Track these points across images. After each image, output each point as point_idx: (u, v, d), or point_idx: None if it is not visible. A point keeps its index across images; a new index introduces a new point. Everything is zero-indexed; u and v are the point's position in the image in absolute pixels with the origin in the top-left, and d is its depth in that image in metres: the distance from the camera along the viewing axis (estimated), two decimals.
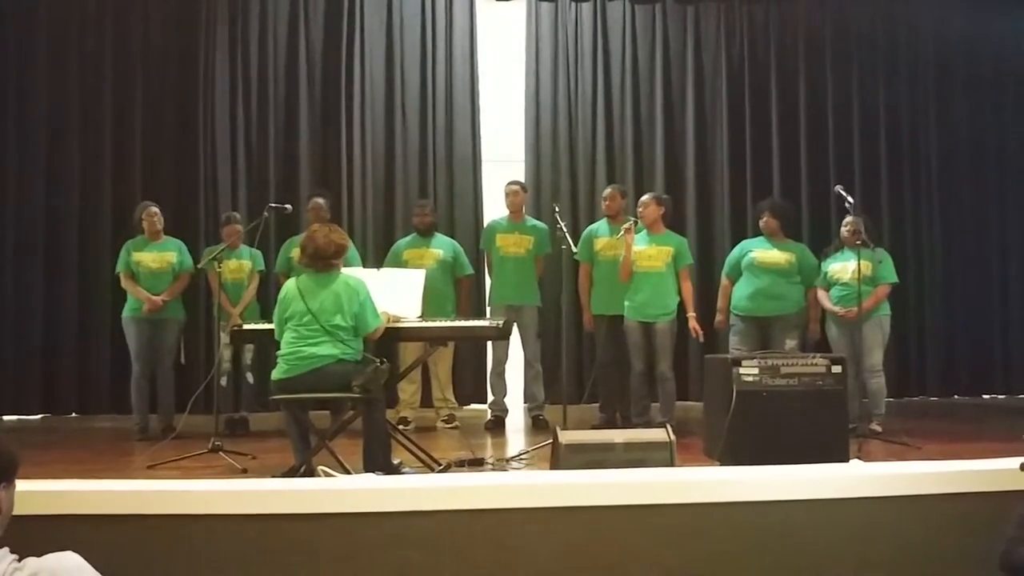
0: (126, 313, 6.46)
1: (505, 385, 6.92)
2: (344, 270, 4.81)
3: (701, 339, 6.51)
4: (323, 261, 4.66)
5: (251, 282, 6.72)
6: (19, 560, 2.13)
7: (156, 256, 6.50)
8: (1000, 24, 8.52)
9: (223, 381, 6.34)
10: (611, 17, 8.32)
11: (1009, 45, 8.49)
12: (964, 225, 8.57)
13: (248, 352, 6.71)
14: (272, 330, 4.76)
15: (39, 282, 7.52)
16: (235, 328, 5.29)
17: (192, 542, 3.43)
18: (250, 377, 6.73)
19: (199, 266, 6.49)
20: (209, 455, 5.04)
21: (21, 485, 2.32)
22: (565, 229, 5.73)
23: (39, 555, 2.18)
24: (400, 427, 5.81)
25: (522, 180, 7.44)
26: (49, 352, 7.50)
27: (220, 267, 5.88)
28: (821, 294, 6.31)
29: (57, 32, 7.70)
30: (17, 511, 2.29)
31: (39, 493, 3.48)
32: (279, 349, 4.63)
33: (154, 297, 6.36)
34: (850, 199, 5.88)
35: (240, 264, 6.68)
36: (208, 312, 7.22)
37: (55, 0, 7.74)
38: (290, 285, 4.71)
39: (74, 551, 2.34)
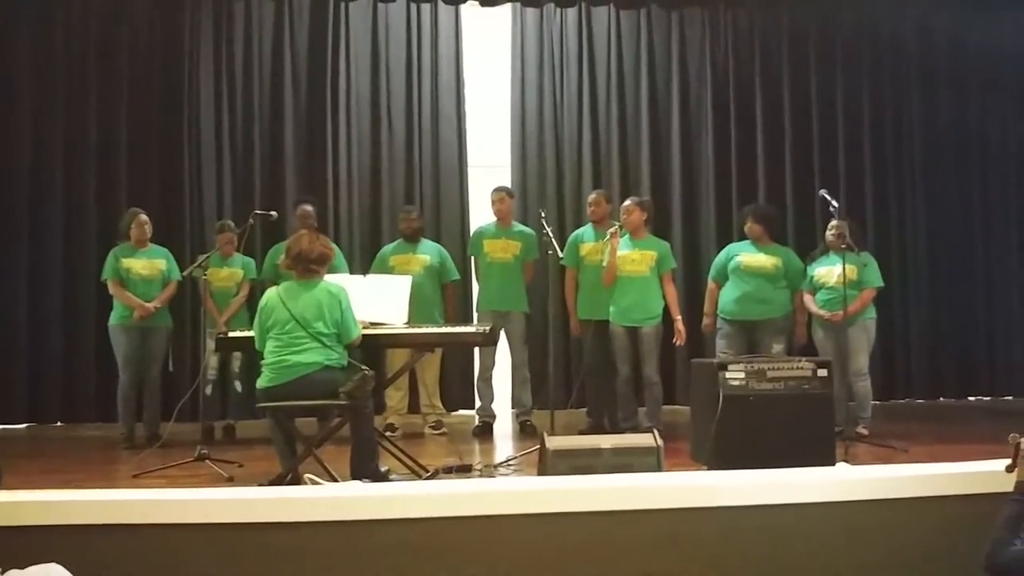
0: (114, 321, 6.41)
1: (492, 391, 6.91)
2: (329, 277, 4.80)
3: (680, 343, 6.50)
4: (305, 264, 4.64)
5: (241, 290, 6.70)
6: (2, 572, 2.12)
7: (146, 263, 6.47)
8: (984, 28, 8.56)
9: (208, 390, 6.31)
10: (596, 23, 8.33)
11: (993, 49, 8.53)
12: (949, 228, 8.62)
13: (236, 360, 6.69)
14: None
15: (23, 290, 7.46)
16: (221, 335, 5.27)
17: (178, 552, 3.42)
18: (238, 385, 6.71)
19: (185, 274, 6.46)
20: (195, 463, 5.02)
21: (4, 496, 2.30)
22: (551, 234, 5.74)
23: (22, 567, 2.16)
24: (387, 434, 5.79)
25: (508, 186, 7.45)
26: (34, 361, 7.44)
27: (207, 274, 5.85)
28: (807, 298, 6.33)
29: (41, 40, 7.65)
30: (0, 522, 2.28)
31: (23, 504, 3.45)
32: (262, 358, 4.61)
33: (146, 304, 6.33)
34: (835, 203, 5.91)
35: (231, 272, 6.67)
36: (194, 320, 7.18)
37: (39, 8, 7.68)
38: (271, 294, 4.68)
39: (58, 562, 2.33)
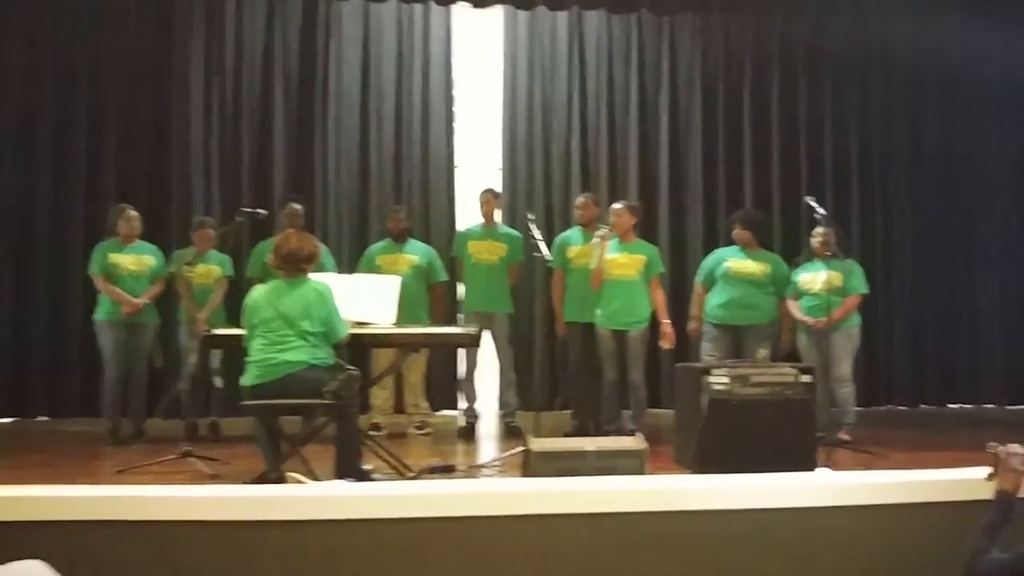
0: (101, 316, 6.39)
1: (476, 391, 6.92)
2: (316, 276, 4.81)
3: (668, 345, 6.50)
4: (294, 264, 4.64)
5: (218, 287, 6.68)
6: None
7: (135, 259, 6.45)
8: (972, 38, 8.61)
9: (187, 385, 6.29)
10: (587, 26, 8.35)
11: (981, 59, 8.59)
12: (933, 236, 8.68)
13: (215, 356, 6.67)
14: (242, 336, 4.74)
15: (9, 284, 7.44)
16: (205, 334, 5.26)
17: (161, 549, 3.42)
18: (217, 381, 6.69)
19: (171, 270, 6.44)
20: (179, 460, 5.00)
21: None
22: (539, 237, 5.75)
23: (3, 563, 2.16)
24: (372, 433, 5.80)
25: (496, 188, 7.45)
26: (18, 355, 7.41)
27: (192, 271, 5.83)
28: (791, 304, 6.36)
29: (31, 35, 7.62)
30: None
31: (4, 498, 3.45)
32: (248, 355, 4.61)
33: (134, 300, 6.31)
34: (820, 210, 5.94)
35: (208, 269, 6.62)
36: (176, 316, 7.14)
37: (29, 5, 7.64)
38: (257, 292, 4.69)
39: (40, 559, 2.32)
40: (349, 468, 4.41)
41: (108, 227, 6.54)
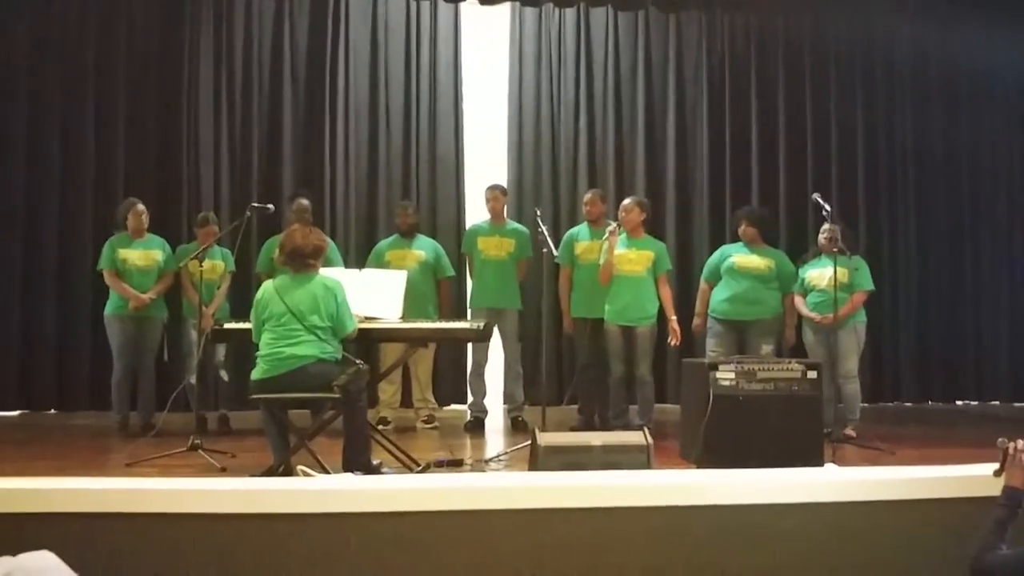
0: (109, 311, 6.42)
1: (484, 386, 6.94)
2: (324, 270, 4.82)
3: (675, 343, 6.51)
4: (301, 260, 4.66)
5: (223, 282, 6.70)
6: None
7: (143, 253, 6.48)
8: (974, 38, 8.62)
9: (192, 379, 6.33)
10: (594, 23, 8.36)
11: (983, 58, 8.58)
12: (939, 233, 8.68)
13: (220, 349, 6.68)
14: (248, 329, 4.76)
15: (18, 278, 7.46)
16: (215, 328, 5.28)
17: (169, 541, 3.44)
18: (224, 375, 6.71)
19: (180, 265, 6.46)
20: (188, 453, 5.03)
21: None
22: (546, 232, 5.76)
23: (14, 554, 2.18)
24: (380, 427, 5.82)
25: (503, 184, 7.47)
26: (28, 348, 7.44)
27: (202, 266, 5.86)
28: (798, 300, 6.36)
29: (40, 30, 7.63)
30: None
31: (15, 491, 3.48)
32: (258, 350, 4.63)
33: (142, 295, 6.34)
34: (827, 207, 5.94)
35: (213, 264, 6.63)
36: (182, 311, 7.14)
37: (38, 0, 7.67)
38: (267, 287, 4.71)
39: (50, 550, 2.34)
40: (357, 462, 4.43)
41: (117, 221, 6.57)
